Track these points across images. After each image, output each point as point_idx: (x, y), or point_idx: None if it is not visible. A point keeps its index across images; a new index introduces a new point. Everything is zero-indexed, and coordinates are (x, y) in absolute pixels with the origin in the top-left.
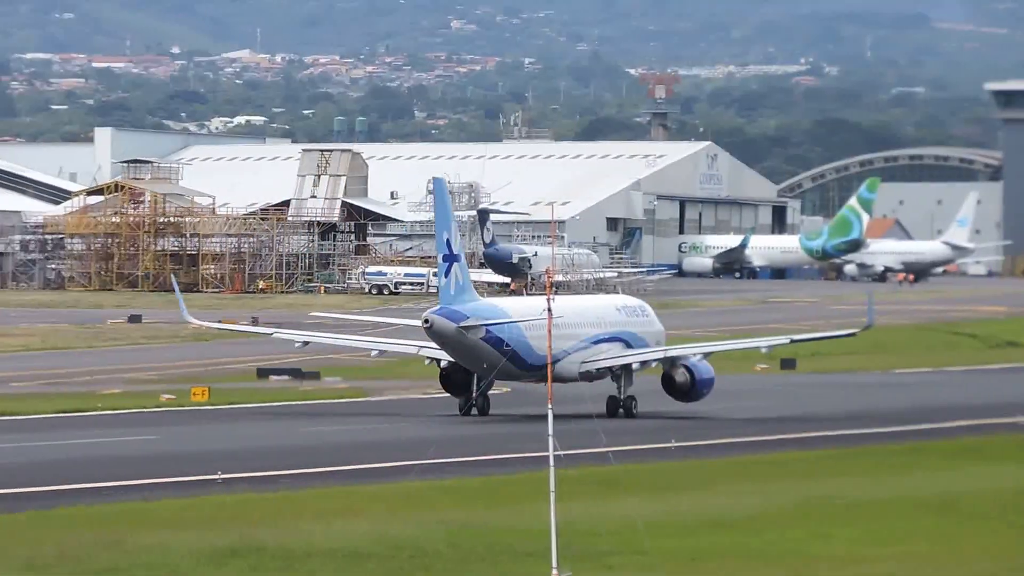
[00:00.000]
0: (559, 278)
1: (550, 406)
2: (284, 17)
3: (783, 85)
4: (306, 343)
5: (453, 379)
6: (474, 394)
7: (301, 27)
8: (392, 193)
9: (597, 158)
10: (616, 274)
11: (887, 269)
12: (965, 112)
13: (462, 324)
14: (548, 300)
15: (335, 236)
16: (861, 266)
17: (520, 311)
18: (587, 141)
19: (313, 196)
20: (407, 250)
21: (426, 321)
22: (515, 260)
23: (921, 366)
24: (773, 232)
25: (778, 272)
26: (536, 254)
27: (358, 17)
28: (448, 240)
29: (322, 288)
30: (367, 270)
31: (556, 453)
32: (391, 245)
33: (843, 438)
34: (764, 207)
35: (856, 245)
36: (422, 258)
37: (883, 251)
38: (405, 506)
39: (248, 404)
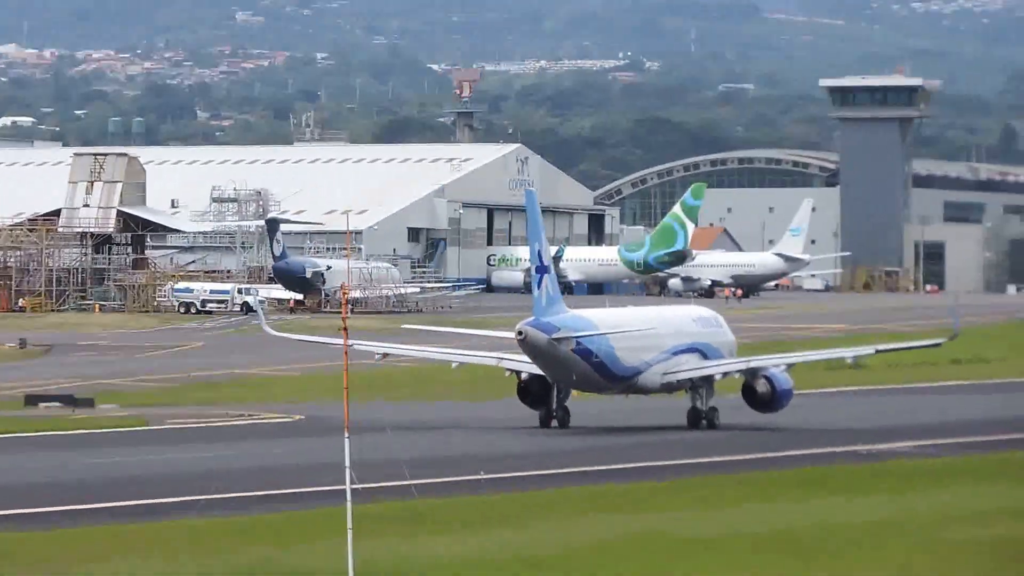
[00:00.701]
0: (356, 294)
1: (347, 434)
2: (53, 8)
3: (600, 82)
4: (385, 355)
5: (531, 392)
6: (554, 406)
7: (72, 19)
8: (173, 201)
9: (397, 162)
10: (418, 289)
11: (715, 283)
12: (799, 111)
13: (554, 336)
14: (344, 319)
15: (110, 249)
16: (686, 280)
17: (608, 323)
18: (386, 144)
19: (86, 205)
20: (189, 264)
21: (520, 333)
22: (308, 274)
23: None
24: (590, 243)
25: (596, 287)
26: (330, 268)
27: (134, 9)
28: (540, 252)
29: (97, 306)
30: (175, 287)
31: (354, 486)
32: (172, 258)
33: (672, 468)
34: (580, 215)
35: (681, 257)
36: (206, 272)
37: (710, 263)
38: (188, 546)
39: (15, 434)
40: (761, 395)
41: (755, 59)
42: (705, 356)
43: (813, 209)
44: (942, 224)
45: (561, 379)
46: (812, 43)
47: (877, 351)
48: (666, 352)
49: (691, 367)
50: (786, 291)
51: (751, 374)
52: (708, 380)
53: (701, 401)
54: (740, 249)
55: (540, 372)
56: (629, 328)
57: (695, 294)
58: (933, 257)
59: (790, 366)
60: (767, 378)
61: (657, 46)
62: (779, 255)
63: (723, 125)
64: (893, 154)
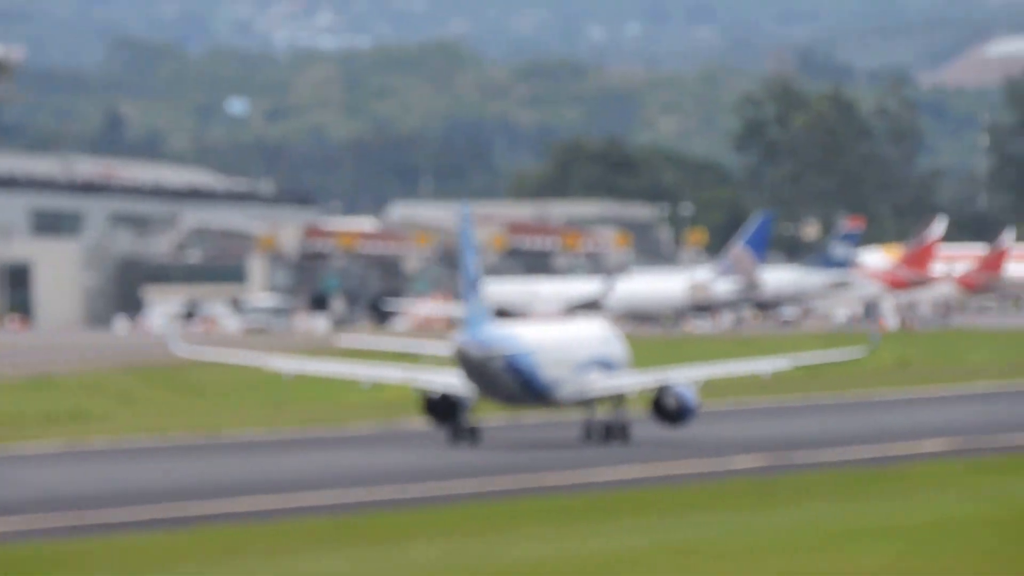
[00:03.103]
0: None
1: None
2: None
3: None
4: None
5: (439, 408)
6: (464, 424)
7: None
8: None
9: None
10: None
11: None
12: None
13: (489, 352)
14: None
15: None
16: None
17: (529, 338)
18: None
19: None
20: None
21: (457, 348)
22: None
23: None
24: None
25: None
26: None
27: None
28: (472, 267)
29: None
30: None
31: None
32: None
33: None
34: None
35: None
36: None
37: None
38: None
39: None
40: (671, 410)
41: None
42: (609, 368)
43: None
44: (30, 238)
45: (488, 394)
46: None
47: (794, 365)
48: (579, 366)
49: (607, 382)
50: None
51: (662, 389)
52: (622, 394)
53: (615, 414)
54: None
55: (446, 390)
56: (549, 343)
57: None
58: (19, 282)
59: (701, 381)
60: (676, 393)
61: None
62: None
63: None
64: None
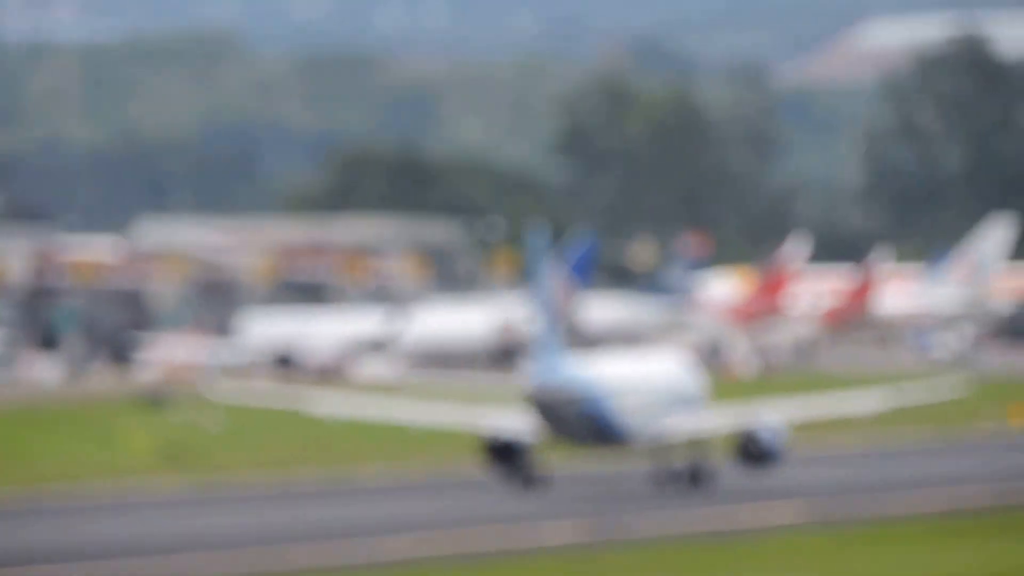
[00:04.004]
0: None
1: None
2: None
3: None
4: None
5: (501, 452)
6: (529, 467)
7: None
8: None
9: None
10: None
11: None
12: None
13: (567, 393)
14: None
15: None
16: None
17: (606, 375)
18: None
19: None
20: None
21: (532, 390)
22: None
23: None
24: None
25: None
26: None
27: None
28: (547, 296)
29: None
30: None
31: None
32: None
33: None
34: None
35: None
36: None
37: None
38: None
39: None
40: (757, 454)
41: None
42: (689, 406)
43: None
44: None
45: (561, 437)
46: None
47: (893, 403)
48: (657, 407)
49: (689, 424)
50: None
51: (747, 431)
52: (703, 436)
53: (698, 458)
54: None
55: (510, 435)
56: (627, 384)
57: None
58: None
59: (792, 422)
60: (762, 436)
61: None
62: None
63: None
64: None
